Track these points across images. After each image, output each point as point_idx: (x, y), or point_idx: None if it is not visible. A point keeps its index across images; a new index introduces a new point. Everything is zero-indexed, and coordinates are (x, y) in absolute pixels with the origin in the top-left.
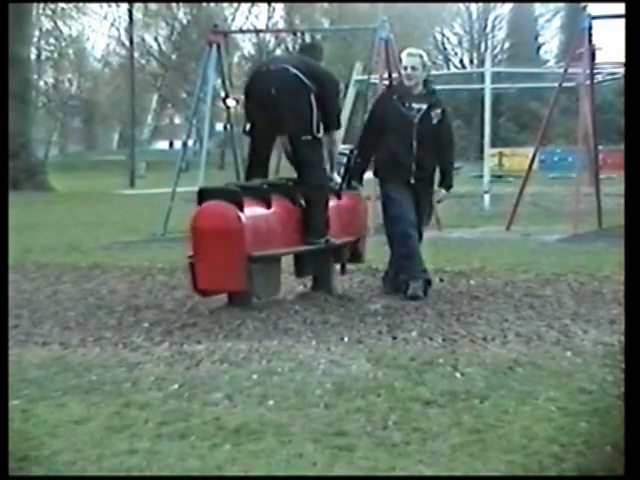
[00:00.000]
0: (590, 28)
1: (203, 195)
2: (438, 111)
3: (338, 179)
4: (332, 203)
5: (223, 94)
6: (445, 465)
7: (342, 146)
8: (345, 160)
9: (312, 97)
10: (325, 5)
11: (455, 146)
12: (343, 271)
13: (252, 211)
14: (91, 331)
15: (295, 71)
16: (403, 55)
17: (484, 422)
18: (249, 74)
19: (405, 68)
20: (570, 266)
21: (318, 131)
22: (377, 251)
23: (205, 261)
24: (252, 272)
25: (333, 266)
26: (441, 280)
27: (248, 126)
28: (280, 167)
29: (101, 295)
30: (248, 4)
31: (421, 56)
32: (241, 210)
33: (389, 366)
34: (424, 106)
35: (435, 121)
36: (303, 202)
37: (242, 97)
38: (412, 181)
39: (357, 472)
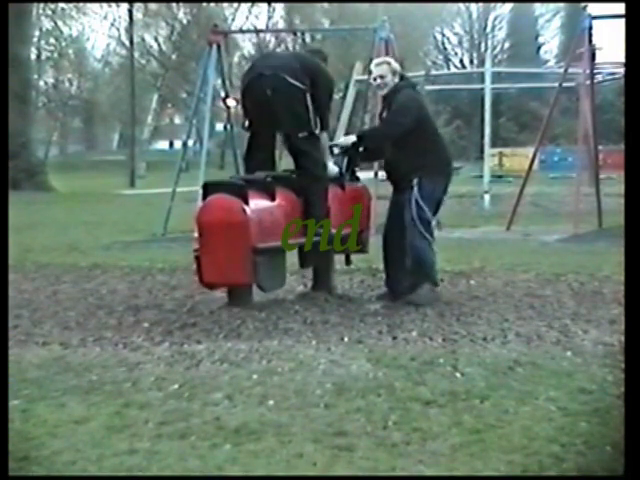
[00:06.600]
0: (590, 28)
1: (208, 189)
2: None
3: (335, 169)
4: (335, 194)
5: (223, 94)
6: (445, 465)
7: (344, 138)
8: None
9: (307, 96)
10: (325, 5)
11: (389, 134)
12: (348, 262)
13: (257, 204)
14: (91, 331)
15: (288, 77)
16: (372, 67)
17: (484, 422)
18: (243, 76)
19: (374, 79)
20: (570, 266)
21: (315, 127)
22: (377, 251)
23: (210, 254)
24: (257, 264)
25: (334, 266)
26: (441, 280)
27: (247, 123)
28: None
29: (101, 295)
30: (248, 4)
31: (388, 63)
32: (246, 203)
33: (389, 366)
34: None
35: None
36: (303, 193)
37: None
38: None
39: (357, 472)
